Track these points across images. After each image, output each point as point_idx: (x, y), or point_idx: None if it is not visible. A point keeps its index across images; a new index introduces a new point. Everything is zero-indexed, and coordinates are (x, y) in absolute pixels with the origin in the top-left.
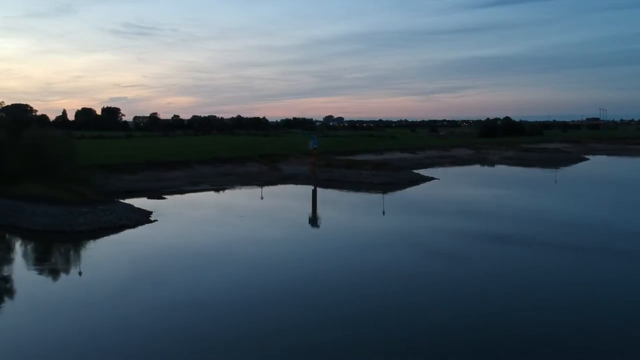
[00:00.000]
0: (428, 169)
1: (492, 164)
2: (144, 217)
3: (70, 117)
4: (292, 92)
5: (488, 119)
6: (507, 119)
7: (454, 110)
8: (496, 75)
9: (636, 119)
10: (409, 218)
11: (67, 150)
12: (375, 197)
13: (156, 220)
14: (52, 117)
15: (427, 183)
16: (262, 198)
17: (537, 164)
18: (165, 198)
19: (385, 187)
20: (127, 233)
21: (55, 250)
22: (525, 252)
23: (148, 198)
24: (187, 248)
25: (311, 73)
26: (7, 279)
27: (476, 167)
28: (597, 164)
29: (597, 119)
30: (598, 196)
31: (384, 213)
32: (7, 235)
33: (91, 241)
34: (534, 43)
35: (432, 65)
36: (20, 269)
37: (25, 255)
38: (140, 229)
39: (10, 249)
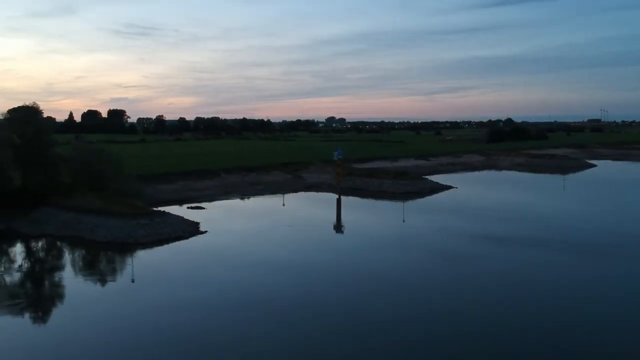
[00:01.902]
0: (442, 175)
1: (503, 170)
2: (194, 228)
3: (75, 118)
4: (294, 92)
5: (490, 120)
6: (509, 120)
7: (456, 111)
8: (498, 75)
9: (637, 120)
10: (447, 227)
11: (115, 163)
12: (404, 206)
13: (206, 231)
14: (55, 118)
15: (447, 192)
16: (294, 207)
17: (547, 170)
18: (204, 208)
19: (407, 196)
20: (186, 244)
21: (131, 260)
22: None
23: (188, 208)
24: (247, 257)
25: (313, 73)
26: (100, 287)
27: (488, 174)
28: (606, 170)
29: (598, 120)
30: (617, 202)
31: (403, 220)
32: (77, 247)
33: (158, 252)
34: (536, 43)
35: (433, 65)
36: (110, 277)
37: (106, 265)
38: (195, 240)
39: (88, 259)
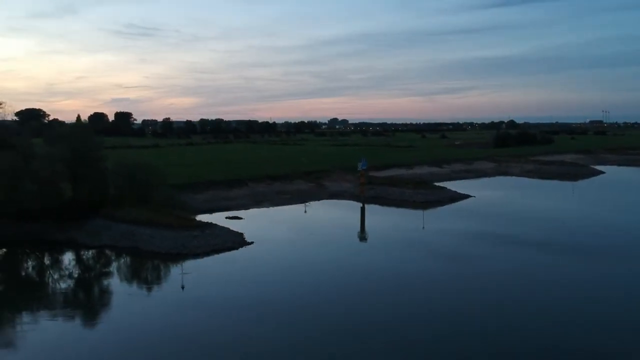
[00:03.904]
0: (456, 181)
1: (514, 177)
2: (241, 238)
3: (75, 119)
4: (295, 92)
5: (493, 122)
6: (512, 122)
7: (456, 111)
8: (499, 76)
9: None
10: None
11: (158, 175)
12: (428, 215)
13: (253, 242)
14: (58, 119)
15: (466, 200)
16: (323, 216)
17: (556, 177)
18: (242, 218)
19: (428, 205)
20: (238, 254)
21: (199, 270)
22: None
23: (226, 218)
24: (297, 265)
25: (314, 74)
26: (174, 294)
27: (501, 181)
28: (615, 177)
29: (600, 122)
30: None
31: (423, 227)
32: (138, 257)
33: (218, 262)
34: (537, 44)
35: (434, 66)
36: (181, 286)
37: (173, 274)
38: (244, 250)
39: (152, 269)
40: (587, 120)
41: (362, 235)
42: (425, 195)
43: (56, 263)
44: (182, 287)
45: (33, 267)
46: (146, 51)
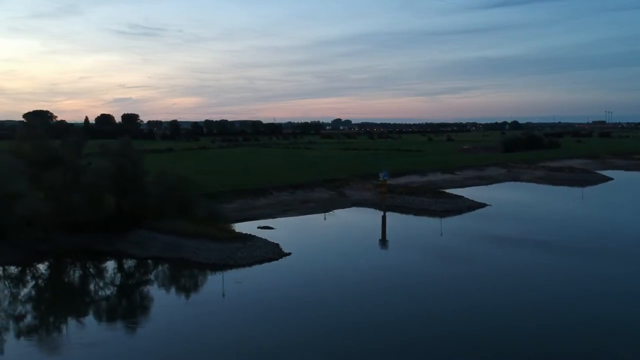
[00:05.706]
0: (469, 188)
1: (524, 182)
2: (279, 249)
3: (81, 119)
4: (296, 92)
5: (496, 122)
6: (515, 123)
7: (458, 111)
8: (500, 76)
9: None
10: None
11: (194, 187)
12: (449, 223)
13: (290, 253)
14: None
15: (483, 209)
16: (350, 224)
17: (567, 183)
18: (273, 228)
19: (447, 214)
20: (279, 265)
21: (250, 280)
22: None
23: (258, 228)
24: (335, 276)
25: (315, 74)
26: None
27: (513, 188)
28: (624, 183)
29: (603, 122)
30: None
31: (441, 234)
32: (188, 268)
33: (265, 272)
34: (538, 44)
35: (436, 66)
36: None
37: (228, 285)
38: (285, 261)
39: (205, 280)
40: (590, 121)
41: (385, 243)
42: (444, 205)
43: (115, 273)
44: (223, 295)
45: (92, 277)
46: (148, 51)
